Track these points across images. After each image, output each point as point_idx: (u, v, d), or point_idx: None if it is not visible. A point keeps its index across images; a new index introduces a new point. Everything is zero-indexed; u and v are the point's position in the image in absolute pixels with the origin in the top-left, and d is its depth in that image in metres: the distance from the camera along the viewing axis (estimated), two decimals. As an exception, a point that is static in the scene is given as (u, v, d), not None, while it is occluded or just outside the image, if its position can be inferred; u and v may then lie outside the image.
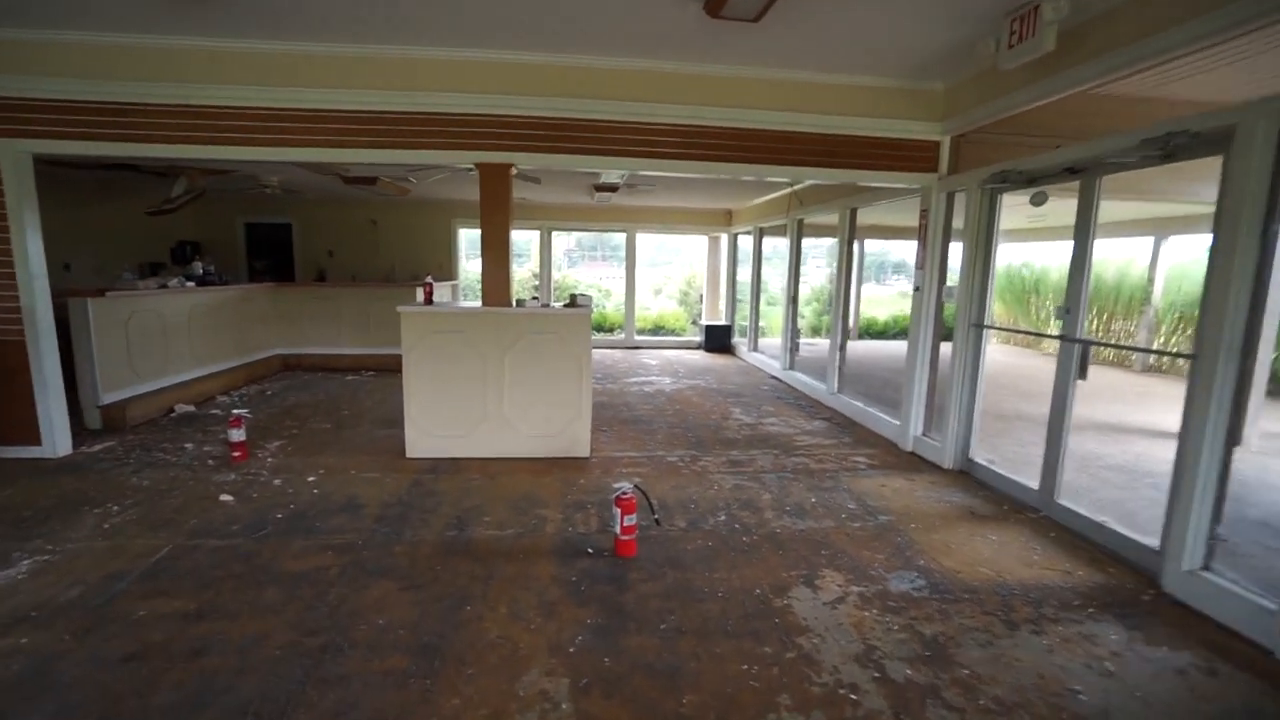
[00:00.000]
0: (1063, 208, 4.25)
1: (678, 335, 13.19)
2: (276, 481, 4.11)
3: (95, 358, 5.16)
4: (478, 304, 4.73)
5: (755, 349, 9.92)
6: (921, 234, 4.93)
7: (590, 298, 4.88)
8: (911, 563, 3.18)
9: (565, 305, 4.74)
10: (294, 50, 4.10)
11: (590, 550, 3.24)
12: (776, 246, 9.65)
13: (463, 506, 3.78)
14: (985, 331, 4.40)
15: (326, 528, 3.43)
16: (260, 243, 10.62)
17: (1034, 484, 3.91)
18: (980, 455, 4.55)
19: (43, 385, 4.36)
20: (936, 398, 5.03)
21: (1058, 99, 3.72)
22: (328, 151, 4.27)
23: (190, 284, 6.50)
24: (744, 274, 10.96)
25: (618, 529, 3.14)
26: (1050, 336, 10.74)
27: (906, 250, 15.48)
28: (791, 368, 8.23)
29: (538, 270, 11.67)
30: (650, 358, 10.16)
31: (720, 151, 4.59)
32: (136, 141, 4.17)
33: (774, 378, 8.49)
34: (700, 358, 10.31)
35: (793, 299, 8.18)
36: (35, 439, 4.41)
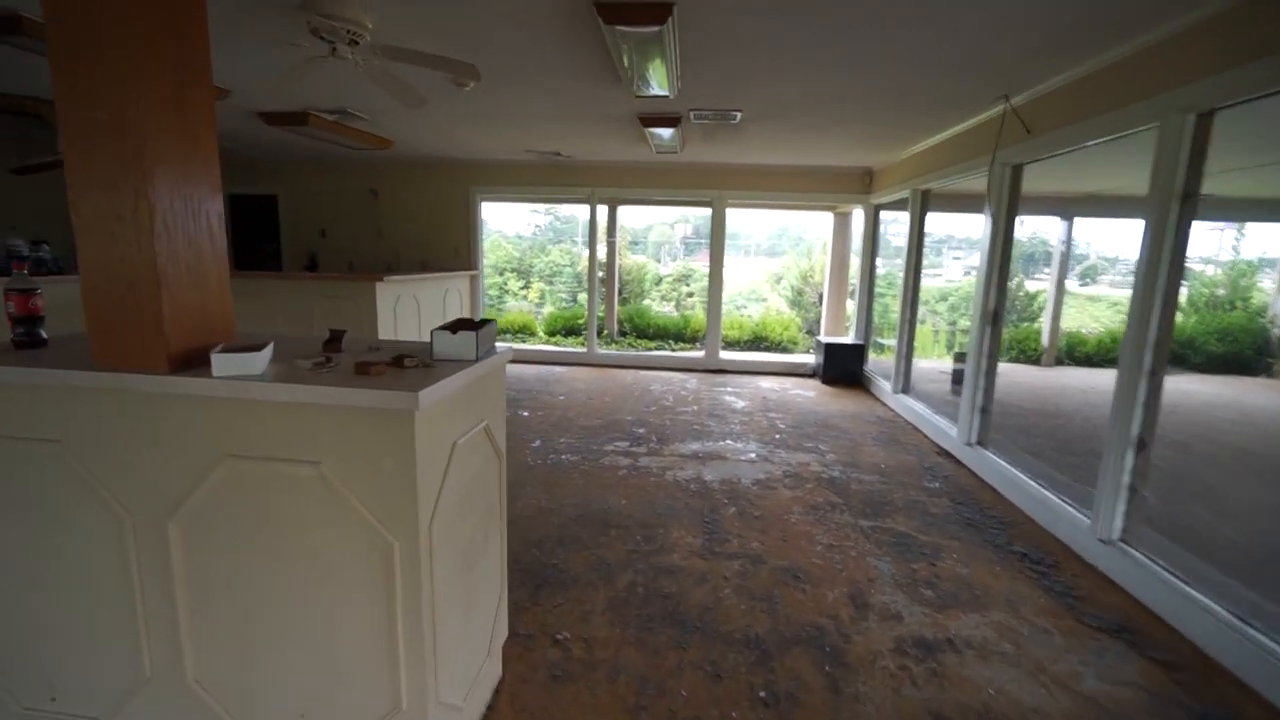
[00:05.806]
0: None
1: (785, 352, 9.56)
2: None
3: None
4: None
5: (905, 390, 6.16)
6: None
7: (494, 322, 1.67)
8: None
9: (395, 360, 1.53)
10: None
11: None
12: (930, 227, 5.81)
13: None
14: None
15: None
16: (259, 219, 8.38)
17: None
18: None
19: None
20: None
21: None
22: None
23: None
24: (885, 267, 7.19)
25: None
26: None
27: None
28: (982, 443, 4.49)
29: (605, 259, 8.29)
30: (737, 393, 6.71)
31: None
32: None
33: (946, 454, 4.77)
34: (815, 396, 6.70)
35: (993, 316, 4.43)
36: None
